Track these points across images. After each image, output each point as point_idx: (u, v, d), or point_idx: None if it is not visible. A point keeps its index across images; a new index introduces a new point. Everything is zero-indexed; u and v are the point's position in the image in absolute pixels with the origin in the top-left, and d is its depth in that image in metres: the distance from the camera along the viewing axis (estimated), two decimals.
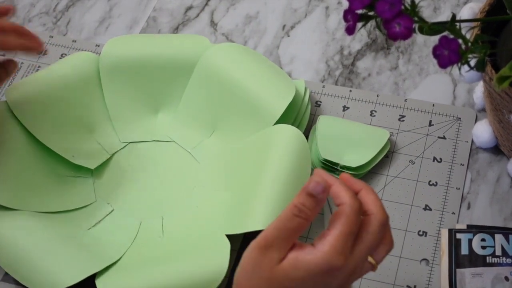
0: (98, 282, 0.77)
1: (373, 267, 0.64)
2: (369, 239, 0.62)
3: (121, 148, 0.90)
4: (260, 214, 0.76)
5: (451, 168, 0.86)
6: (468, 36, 0.66)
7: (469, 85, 0.93)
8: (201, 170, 0.87)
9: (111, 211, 0.85)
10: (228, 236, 0.77)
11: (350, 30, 0.64)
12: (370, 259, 0.63)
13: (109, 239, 0.82)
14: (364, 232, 0.62)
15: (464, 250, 0.79)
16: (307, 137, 0.88)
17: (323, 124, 0.88)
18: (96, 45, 1.01)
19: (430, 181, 0.85)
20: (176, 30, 1.02)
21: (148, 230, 0.83)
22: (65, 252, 0.78)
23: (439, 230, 0.81)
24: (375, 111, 0.91)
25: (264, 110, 0.85)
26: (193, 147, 0.89)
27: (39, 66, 0.99)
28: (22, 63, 1.00)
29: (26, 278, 0.77)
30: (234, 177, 0.83)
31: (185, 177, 0.87)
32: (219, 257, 0.75)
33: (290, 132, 0.82)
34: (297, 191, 0.71)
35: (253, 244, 0.62)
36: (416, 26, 0.63)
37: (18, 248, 0.78)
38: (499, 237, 0.79)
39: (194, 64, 0.89)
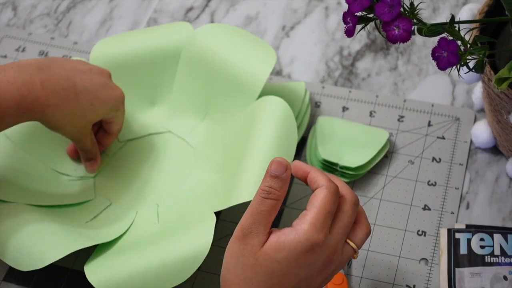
0: (87, 268, 0.76)
1: (355, 252, 0.66)
2: (344, 217, 0.65)
3: (120, 148, 0.90)
4: (246, 185, 0.76)
5: (450, 168, 0.86)
6: (467, 37, 0.66)
7: (468, 86, 0.93)
8: (197, 155, 0.87)
9: (109, 205, 0.85)
10: (224, 224, 0.77)
11: (349, 33, 0.65)
12: (351, 243, 0.66)
13: (104, 228, 0.82)
14: (339, 212, 0.65)
15: (463, 250, 0.79)
16: (306, 138, 0.89)
17: (322, 124, 0.89)
18: None
19: (429, 181, 0.86)
20: None
21: (143, 218, 0.83)
22: (57, 233, 0.77)
23: (438, 230, 0.82)
24: (375, 112, 0.92)
25: (247, 83, 0.85)
26: (188, 134, 0.89)
27: None
28: None
29: (16, 259, 0.76)
30: (227, 157, 0.84)
31: (181, 164, 0.87)
32: (205, 232, 0.75)
33: (274, 103, 0.82)
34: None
35: (232, 238, 0.64)
36: (415, 27, 0.64)
37: (11, 233, 0.77)
38: (497, 237, 0.80)
39: (180, 51, 0.89)
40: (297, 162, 0.68)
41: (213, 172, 0.84)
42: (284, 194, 0.65)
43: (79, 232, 0.79)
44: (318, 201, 0.64)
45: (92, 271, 0.76)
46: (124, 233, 0.82)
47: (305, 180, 0.68)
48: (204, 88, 0.88)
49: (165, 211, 0.84)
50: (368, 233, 0.68)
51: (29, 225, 0.78)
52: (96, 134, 0.87)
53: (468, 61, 0.64)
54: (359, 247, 0.67)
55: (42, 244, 0.76)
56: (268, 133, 0.79)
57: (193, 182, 0.85)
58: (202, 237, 0.74)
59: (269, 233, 0.64)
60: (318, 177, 0.66)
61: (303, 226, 0.63)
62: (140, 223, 0.83)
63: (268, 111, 0.81)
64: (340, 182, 0.68)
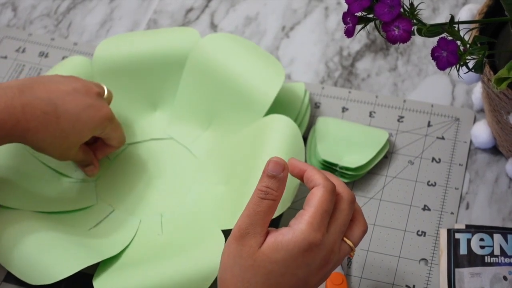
0: (95, 282, 0.77)
1: (352, 250, 0.66)
2: (341, 216, 0.65)
3: (121, 151, 0.90)
4: None
5: (449, 169, 0.86)
6: (466, 37, 0.66)
7: (467, 86, 0.93)
8: (200, 165, 0.87)
9: (112, 212, 0.85)
10: (225, 231, 0.77)
11: (349, 33, 0.65)
12: (347, 241, 0.66)
13: (108, 238, 0.82)
14: (335, 210, 0.65)
15: (463, 250, 0.79)
16: (306, 139, 0.89)
17: (322, 125, 0.89)
18: None
19: (429, 181, 0.86)
20: None
21: (147, 228, 0.83)
22: (63, 246, 0.78)
23: (438, 230, 0.82)
24: (374, 112, 0.92)
25: (255, 99, 0.85)
26: (191, 142, 0.89)
27: (40, 69, 0.99)
28: (23, 65, 1.00)
29: (24, 272, 0.77)
30: (231, 170, 0.84)
31: (183, 173, 0.87)
32: (214, 252, 0.75)
33: (283, 122, 0.82)
34: (291, 181, 0.72)
35: (229, 238, 0.64)
36: (414, 28, 0.64)
37: (17, 243, 0.78)
38: (497, 237, 0.80)
39: (186, 58, 0.89)
40: (293, 160, 0.68)
41: (217, 184, 0.84)
42: (282, 194, 0.65)
43: (85, 243, 0.79)
44: (315, 200, 0.64)
45: (102, 285, 0.76)
46: (129, 243, 0.82)
47: (301, 178, 0.67)
48: (209, 97, 0.88)
49: (169, 222, 0.83)
50: (365, 231, 0.68)
51: (35, 235, 0.78)
52: (95, 144, 0.87)
53: (467, 61, 0.64)
54: (356, 245, 0.67)
55: (50, 258, 0.77)
56: (276, 153, 0.79)
57: (197, 194, 0.85)
58: (212, 258, 0.75)
59: (267, 234, 0.64)
60: (315, 176, 0.66)
61: (300, 226, 0.63)
62: (144, 233, 0.83)
63: (277, 131, 0.81)
64: (336, 180, 0.67)
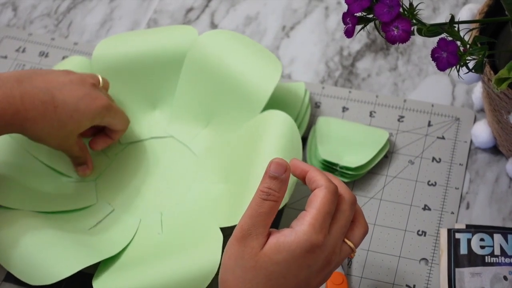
0: (95, 283, 0.77)
1: (352, 251, 0.66)
2: (343, 217, 0.65)
3: (121, 150, 0.90)
4: None
5: (450, 168, 0.86)
6: (467, 37, 0.66)
7: (468, 86, 0.93)
8: (199, 164, 0.87)
9: (112, 211, 0.85)
10: (224, 229, 0.77)
11: (349, 33, 0.65)
12: (348, 242, 0.66)
13: (108, 237, 0.82)
14: (337, 212, 0.65)
15: (463, 250, 0.79)
16: (306, 139, 0.89)
17: (322, 125, 0.89)
18: None
19: (429, 181, 0.86)
20: None
21: (147, 227, 0.83)
22: (63, 246, 0.78)
23: (438, 230, 0.82)
24: (375, 112, 0.92)
25: (252, 96, 0.85)
26: (191, 140, 0.89)
27: (41, 69, 0.99)
28: (24, 65, 1.00)
29: (23, 272, 0.77)
30: (231, 168, 0.84)
31: (183, 171, 0.87)
32: (214, 251, 0.75)
33: (279, 118, 0.82)
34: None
35: (231, 239, 0.64)
36: (414, 28, 0.64)
37: (17, 243, 0.78)
38: (498, 237, 0.80)
39: (184, 56, 0.89)
40: (295, 160, 0.68)
41: (217, 183, 0.84)
42: (283, 195, 0.65)
43: (85, 243, 0.79)
44: (317, 201, 0.64)
45: (102, 286, 0.76)
46: (129, 242, 0.82)
47: (303, 179, 0.67)
48: (208, 94, 0.88)
49: (169, 220, 0.83)
50: (366, 232, 0.68)
51: (35, 235, 0.78)
52: (100, 133, 0.87)
53: (467, 61, 0.64)
54: (356, 246, 0.67)
55: (50, 258, 0.77)
56: (274, 149, 0.79)
57: (197, 193, 0.85)
58: (212, 256, 0.75)
59: (268, 235, 0.64)
60: (317, 177, 0.66)
61: (302, 228, 0.63)
62: (144, 232, 0.83)
63: (274, 127, 0.81)
64: (338, 181, 0.67)
